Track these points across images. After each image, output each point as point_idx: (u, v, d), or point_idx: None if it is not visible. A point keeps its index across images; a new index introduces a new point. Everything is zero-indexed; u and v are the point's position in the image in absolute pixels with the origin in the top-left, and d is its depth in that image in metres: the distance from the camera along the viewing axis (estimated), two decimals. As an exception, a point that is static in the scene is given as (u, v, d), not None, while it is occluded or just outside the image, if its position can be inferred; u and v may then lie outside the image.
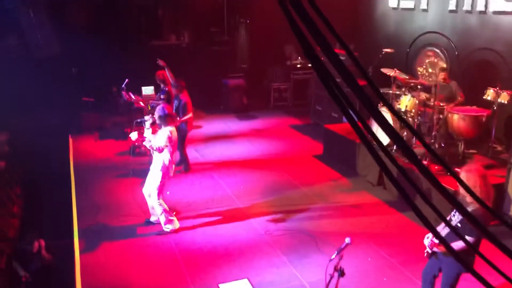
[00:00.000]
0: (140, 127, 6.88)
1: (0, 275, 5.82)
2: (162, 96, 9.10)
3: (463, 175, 4.16)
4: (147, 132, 6.44)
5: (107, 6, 12.34)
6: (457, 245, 3.82)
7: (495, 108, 7.31)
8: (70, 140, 10.37)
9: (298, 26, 1.37)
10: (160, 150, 6.14)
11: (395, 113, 1.69)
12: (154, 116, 6.40)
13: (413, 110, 7.63)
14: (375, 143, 1.57)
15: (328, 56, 1.42)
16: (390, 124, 1.49)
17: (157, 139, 6.24)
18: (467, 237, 3.87)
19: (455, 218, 4.14)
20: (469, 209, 4.01)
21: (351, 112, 1.51)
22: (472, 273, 1.75)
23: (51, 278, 5.96)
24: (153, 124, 6.53)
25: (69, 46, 10.96)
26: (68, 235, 6.52)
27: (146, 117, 6.58)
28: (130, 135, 6.70)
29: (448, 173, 6.89)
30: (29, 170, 9.27)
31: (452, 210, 4.24)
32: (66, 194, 7.82)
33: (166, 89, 8.95)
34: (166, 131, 6.22)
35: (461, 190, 4.15)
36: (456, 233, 1.74)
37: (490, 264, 1.37)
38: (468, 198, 4.02)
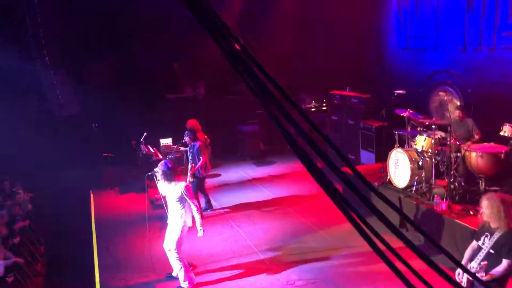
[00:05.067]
0: (151, 181, 6.76)
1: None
2: (185, 138, 8.86)
3: (485, 203, 4.29)
4: (160, 183, 6.49)
5: (125, 63, 12.79)
6: (497, 270, 4.00)
7: (512, 143, 7.22)
8: (92, 196, 10.54)
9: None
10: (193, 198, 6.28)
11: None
12: (156, 173, 6.35)
13: (430, 150, 7.58)
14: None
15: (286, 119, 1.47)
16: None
17: (171, 194, 6.29)
18: (505, 260, 4.02)
19: (485, 245, 4.22)
20: (498, 233, 4.11)
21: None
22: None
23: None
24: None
25: (89, 103, 11.33)
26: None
27: (156, 169, 6.45)
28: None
29: (470, 213, 6.76)
30: (52, 228, 9.41)
31: (482, 236, 4.31)
32: (88, 251, 7.88)
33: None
34: (181, 187, 6.24)
35: (485, 218, 4.23)
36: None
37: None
38: (493, 224, 4.15)
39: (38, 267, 7.95)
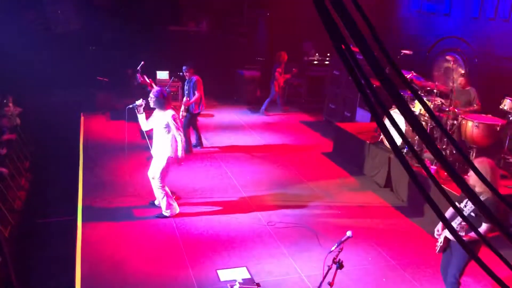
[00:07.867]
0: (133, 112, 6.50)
1: (5, 244, 5.87)
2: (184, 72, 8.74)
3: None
4: (141, 117, 6.32)
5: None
6: (473, 234, 4.05)
7: (510, 118, 7.18)
8: (82, 118, 10.42)
9: (330, 15, 1.31)
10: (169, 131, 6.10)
11: (428, 108, 1.65)
12: (149, 99, 6.15)
13: (427, 114, 7.53)
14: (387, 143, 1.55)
15: (361, 48, 1.38)
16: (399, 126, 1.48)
17: (158, 122, 6.14)
18: (485, 224, 4.12)
19: (467, 208, 4.31)
20: (482, 198, 4.17)
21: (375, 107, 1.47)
22: (476, 261, 1.74)
23: (51, 253, 5.99)
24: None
25: (89, 23, 10.99)
26: (72, 212, 6.55)
27: (137, 102, 6.27)
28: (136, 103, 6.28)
29: (465, 162, 6.80)
30: (39, 145, 9.35)
31: (465, 199, 4.39)
32: (74, 171, 7.86)
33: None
34: (169, 115, 6.10)
35: (471, 181, 4.24)
36: (470, 223, 1.76)
37: (496, 253, 1.36)
38: (478, 188, 4.16)
39: (22, 181, 7.94)
